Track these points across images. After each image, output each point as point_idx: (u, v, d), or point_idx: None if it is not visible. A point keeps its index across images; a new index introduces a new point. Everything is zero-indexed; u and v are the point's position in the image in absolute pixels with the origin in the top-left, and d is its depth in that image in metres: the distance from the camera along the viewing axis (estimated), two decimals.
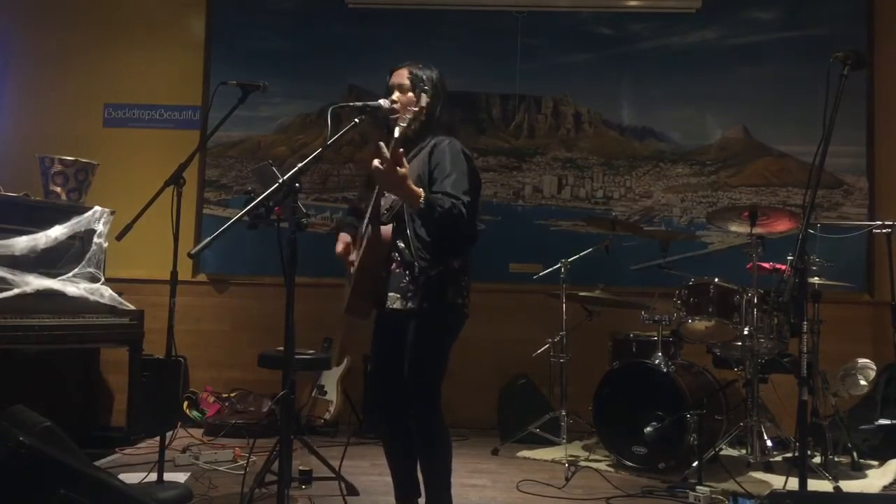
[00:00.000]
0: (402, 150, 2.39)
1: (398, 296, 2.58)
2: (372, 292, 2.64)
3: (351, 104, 2.61)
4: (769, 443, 3.79)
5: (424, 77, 2.68)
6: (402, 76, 2.69)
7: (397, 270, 2.59)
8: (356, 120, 2.54)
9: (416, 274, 2.54)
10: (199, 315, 5.10)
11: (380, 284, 2.63)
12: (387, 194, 2.61)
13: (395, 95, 2.67)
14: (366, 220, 2.60)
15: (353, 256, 2.73)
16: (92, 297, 3.86)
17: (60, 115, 5.21)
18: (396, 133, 2.36)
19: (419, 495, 2.83)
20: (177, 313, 3.29)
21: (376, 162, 2.34)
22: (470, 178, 2.57)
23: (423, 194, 2.42)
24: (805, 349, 2.57)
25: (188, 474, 3.64)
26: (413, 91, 2.65)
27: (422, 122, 2.62)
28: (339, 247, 2.78)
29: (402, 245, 2.58)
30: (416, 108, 2.41)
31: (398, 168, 2.34)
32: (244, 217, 2.18)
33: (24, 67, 5.27)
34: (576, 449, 4.33)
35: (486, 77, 5.26)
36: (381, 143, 2.35)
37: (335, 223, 2.75)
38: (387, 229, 2.57)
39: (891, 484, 3.72)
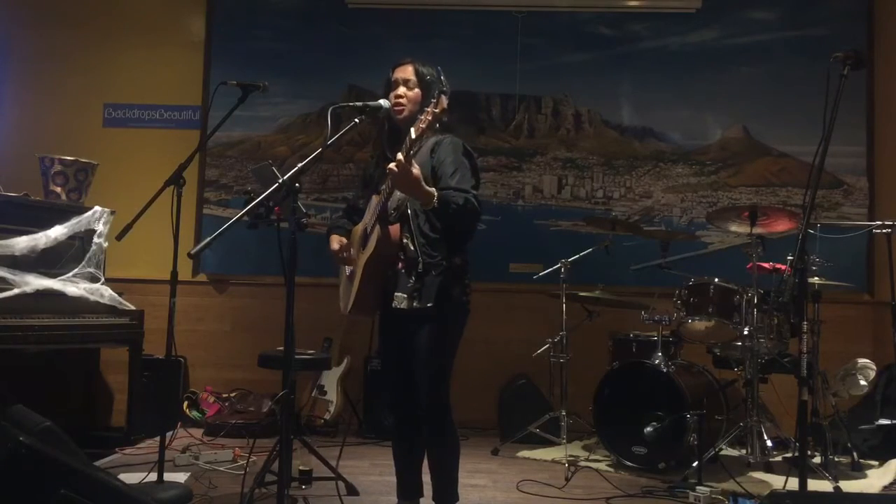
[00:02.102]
0: (414, 150, 2.43)
1: (405, 296, 2.59)
2: (377, 291, 2.64)
3: (351, 104, 2.61)
4: (769, 443, 3.79)
5: (430, 75, 2.69)
6: (408, 72, 2.69)
7: (403, 270, 2.59)
8: (356, 120, 2.55)
9: (421, 272, 2.56)
10: (199, 315, 5.10)
11: (385, 283, 2.63)
12: (393, 195, 2.61)
13: (401, 90, 2.67)
14: (372, 220, 2.60)
15: (352, 251, 2.73)
16: (92, 297, 3.86)
17: (60, 115, 5.20)
18: (413, 134, 2.36)
19: (421, 495, 2.85)
20: (177, 313, 3.29)
21: (392, 165, 2.37)
22: (473, 173, 2.64)
23: (436, 193, 2.46)
24: (805, 349, 2.57)
25: (188, 474, 3.64)
26: (420, 88, 2.66)
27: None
28: (335, 245, 2.79)
29: (405, 241, 2.59)
30: (438, 111, 2.34)
31: (413, 169, 2.38)
32: (244, 217, 2.18)
33: (24, 67, 5.27)
34: (576, 449, 4.33)
35: (486, 77, 5.26)
36: (399, 159, 2.37)
37: (321, 225, 2.77)
38: (395, 228, 2.58)
39: (891, 484, 3.72)
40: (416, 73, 2.68)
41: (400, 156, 2.37)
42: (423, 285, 2.57)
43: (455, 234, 2.62)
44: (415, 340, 2.62)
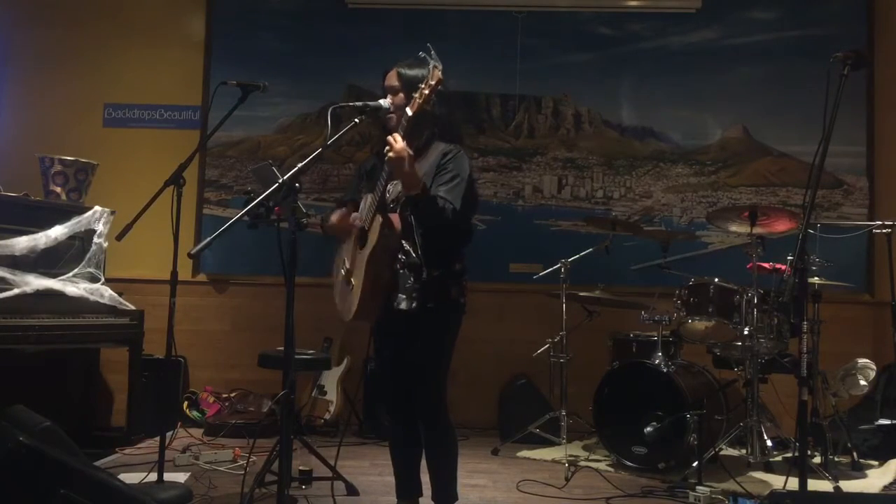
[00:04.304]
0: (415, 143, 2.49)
1: (404, 296, 2.58)
2: (382, 291, 2.61)
3: (351, 104, 2.61)
4: (769, 443, 3.79)
5: (414, 73, 2.64)
6: (393, 78, 2.69)
7: (402, 272, 2.59)
8: (356, 120, 2.55)
9: (424, 277, 2.56)
10: (199, 315, 5.09)
11: (388, 285, 2.62)
12: (391, 186, 2.61)
13: (389, 98, 2.67)
14: (370, 215, 2.59)
15: (347, 264, 2.71)
16: (92, 297, 3.86)
17: (60, 115, 5.20)
18: (409, 112, 2.43)
19: (420, 494, 2.85)
20: (177, 313, 3.29)
21: (389, 138, 2.41)
22: (467, 192, 2.61)
23: (425, 182, 2.49)
24: (805, 349, 2.57)
25: (188, 474, 3.64)
26: (403, 91, 2.63)
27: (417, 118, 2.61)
28: (335, 217, 2.77)
29: (407, 247, 2.59)
30: (434, 82, 2.39)
31: (408, 148, 2.42)
32: (244, 217, 2.18)
33: (24, 67, 5.27)
34: (576, 449, 4.33)
35: (486, 77, 5.26)
36: (395, 135, 2.43)
37: (321, 220, 2.79)
38: (396, 218, 2.58)
39: (891, 484, 3.72)
40: (399, 77, 2.66)
41: (397, 134, 2.41)
42: (421, 286, 2.57)
43: (455, 238, 2.62)
44: (412, 341, 2.62)
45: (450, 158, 2.62)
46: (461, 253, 2.69)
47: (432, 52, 2.44)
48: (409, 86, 2.62)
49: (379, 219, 2.54)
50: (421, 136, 2.63)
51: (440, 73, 2.40)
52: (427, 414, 2.66)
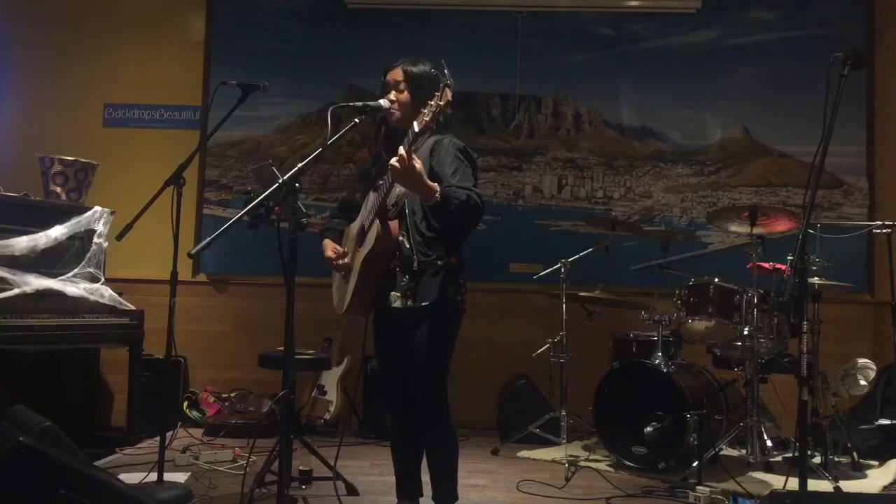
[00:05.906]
0: (415, 146, 2.43)
1: (398, 294, 2.58)
2: (373, 289, 2.64)
3: (351, 104, 2.61)
4: (769, 443, 3.80)
5: (421, 74, 2.66)
6: (398, 74, 2.68)
7: (397, 268, 2.59)
8: (356, 120, 2.55)
9: (415, 269, 2.55)
10: (199, 315, 5.10)
11: (381, 282, 2.63)
12: (392, 190, 2.61)
13: (392, 95, 2.67)
14: (370, 217, 2.60)
15: (346, 259, 2.72)
16: (92, 297, 3.86)
17: (60, 115, 5.20)
18: (416, 128, 2.37)
19: (421, 494, 2.85)
20: (177, 313, 3.29)
21: (394, 160, 2.36)
22: (473, 174, 2.62)
23: (438, 188, 2.45)
24: (805, 349, 2.57)
25: (188, 474, 3.64)
26: (409, 89, 2.65)
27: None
28: (329, 252, 2.77)
29: (401, 239, 2.58)
30: (443, 103, 2.34)
31: (415, 163, 2.37)
32: (244, 217, 2.18)
33: (24, 67, 5.27)
34: (576, 449, 4.33)
35: (486, 77, 5.26)
36: (402, 154, 2.36)
37: (321, 225, 2.79)
38: (394, 224, 2.58)
39: (891, 484, 3.72)
40: (405, 74, 2.66)
41: (402, 150, 2.36)
42: (417, 284, 2.57)
43: (453, 232, 2.60)
44: (410, 340, 2.62)
45: (440, 151, 2.61)
46: (458, 248, 2.66)
47: (445, 69, 2.42)
48: (415, 84, 2.63)
49: (377, 224, 2.54)
50: (421, 139, 2.63)
51: (450, 92, 2.36)
52: (427, 414, 2.66)
